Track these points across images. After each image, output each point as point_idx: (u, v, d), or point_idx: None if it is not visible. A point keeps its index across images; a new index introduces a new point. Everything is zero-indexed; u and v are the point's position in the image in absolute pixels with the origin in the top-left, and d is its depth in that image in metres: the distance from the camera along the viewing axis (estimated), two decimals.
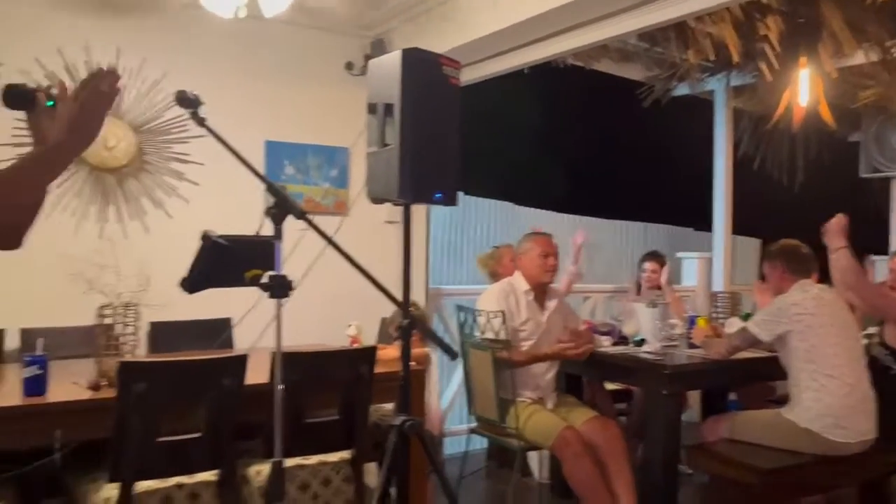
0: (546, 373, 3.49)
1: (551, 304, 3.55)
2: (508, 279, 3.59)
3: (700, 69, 5.21)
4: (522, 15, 3.45)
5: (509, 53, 4.02)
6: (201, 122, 1.77)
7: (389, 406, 3.47)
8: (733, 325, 3.89)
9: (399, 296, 2.42)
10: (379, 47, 4.38)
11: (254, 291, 2.00)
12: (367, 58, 4.46)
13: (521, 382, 3.39)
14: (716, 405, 4.20)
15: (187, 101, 1.77)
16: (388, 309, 4.52)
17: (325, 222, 1.93)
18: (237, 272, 1.72)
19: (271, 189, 1.71)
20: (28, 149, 1.43)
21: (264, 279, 1.74)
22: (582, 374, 3.88)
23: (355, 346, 3.28)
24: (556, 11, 3.33)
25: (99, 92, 1.40)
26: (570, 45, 3.64)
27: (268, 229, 2.02)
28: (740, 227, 6.19)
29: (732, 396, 4.46)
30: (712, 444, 3.28)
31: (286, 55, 4.29)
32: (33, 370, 2.48)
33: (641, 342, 3.70)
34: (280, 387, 1.70)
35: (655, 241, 7.60)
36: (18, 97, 1.46)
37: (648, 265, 4.59)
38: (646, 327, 3.69)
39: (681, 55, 4.92)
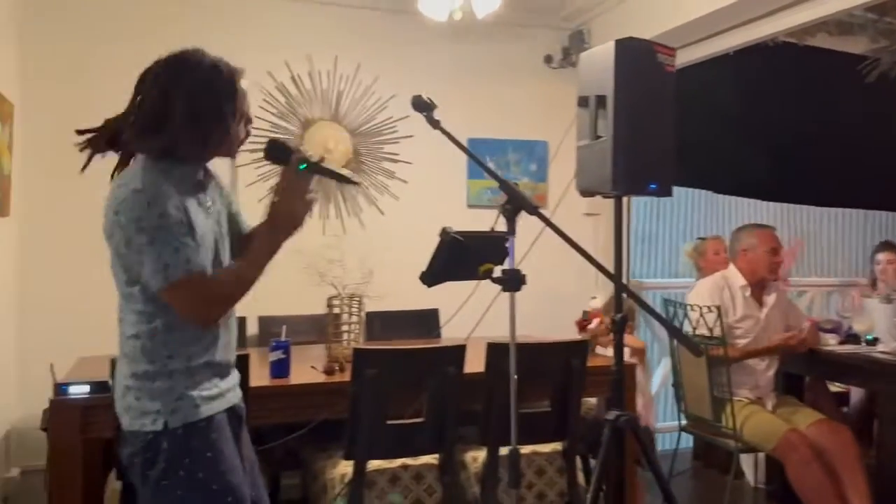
0: (766, 371, 3.30)
1: (770, 299, 3.35)
2: (722, 273, 3.42)
3: None
4: None
5: (718, 36, 3.82)
6: (436, 124, 1.85)
7: (592, 400, 3.45)
8: None
9: (608, 288, 2.41)
10: (578, 38, 4.34)
11: (460, 283, 2.09)
12: (566, 50, 4.46)
13: (738, 381, 3.23)
14: None
15: (422, 105, 1.86)
16: (589, 302, 4.52)
17: (525, 217, 1.95)
18: (471, 266, 1.79)
19: (504, 186, 1.76)
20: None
21: (497, 273, 1.79)
22: (804, 374, 3.62)
23: (595, 321, 3.26)
24: None
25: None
26: (792, 22, 3.37)
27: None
28: None
29: None
30: None
31: (487, 52, 4.39)
32: (278, 354, 2.74)
33: (874, 341, 3.39)
34: (514, 376, 1.75)
35: (879, 229, 6.88)
36: (277, 152, 1.67)
37: (883, 256, 4.18)
38: (881, 325, 3.38)
39: None
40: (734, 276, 3.35)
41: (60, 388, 2.44)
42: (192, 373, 1.61)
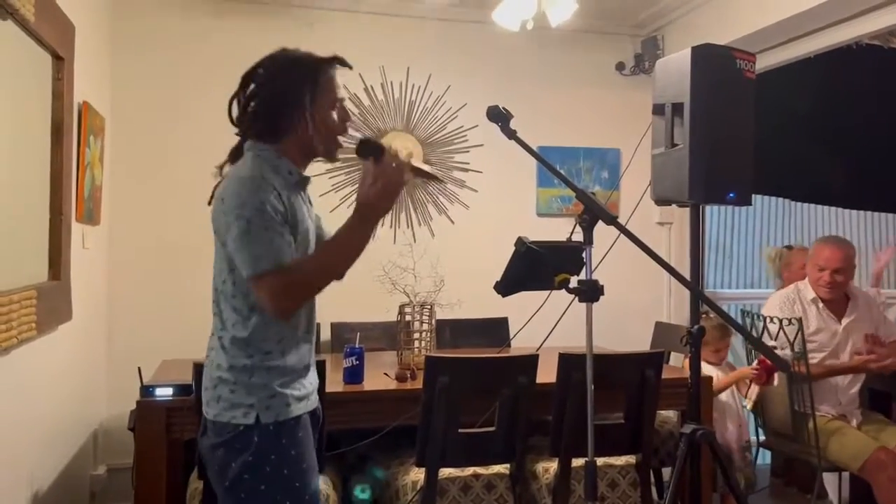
0: (849, 387, 3.17)
1: (851, 311, 3.22)
2: (796, 284, 3.33)
3: None
4: None
5: (799, 40, 3.70)
6: (511, 134, 1.86)
7: (666, 413, 3.38)
8: None
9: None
10: (652, 45, 4.28)
11: (529, 293, 2.08)
12: (638, 57, 4.40)
13: (820, 396, 3.12)
14: None
15: (498, 116, 1.87)
16: (661, 314, 4.44)
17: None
18: (547, 276, 1.79)
19: (581, 196, 1.75)
20: None
21: (573, 283, 1.78)
22: (891, 391, 3.46)
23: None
24: None
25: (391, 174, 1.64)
26: (879, 25, 3.22)
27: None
28: None
29: None
30: None
31: (558, 60, 4.37)
32: (352, 360, 2.79)
33: None
34: (591, 387, 1.74)
35: None
36: (370, 149, 1.71)
37: None
38: None
39: None
40: (806, 289, 3.27)
41: (147, 390, 2.54)
42: (286, 371, 1.65)
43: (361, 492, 2.67)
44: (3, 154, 2.16)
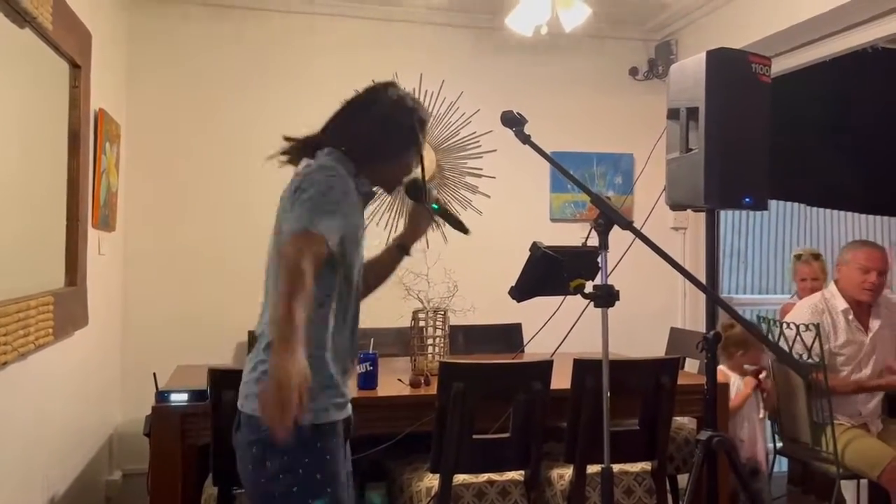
0: (867, 402, 3.14)
1: (876, 322, 3.17)
2: (822, 293, 3.26)
3: None
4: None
5: (814, 44, 3.68)
6: (526, 139, 1.86)
7: (681, 419, 3.35)
8: None
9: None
10: (665, 50, 4.27)
11: (543, 299, 2.07)
12: (652, 62, 4.39)
13: (839, 405, 3.07)
14: None
15: (512, 121, 1.87)
16: (676, 319, 4.42)
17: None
18: (562, 282, 1.79)
19: (597, 201, 1.75)
20: None
21: (588, 289, 1.78)
22: None
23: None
24: None
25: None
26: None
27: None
28: None
29: None
30: None
31: (571, 65, 4.37)
32: (366, 366, 2.79)
33: None
34: (607, 394, 1.73)
35: None
36: (416, 190, 1.88)
37: None
38: None
39: None
40: (834, 298, 3.19)
41: (162, 396, 2.55)
42: (329, 375, 1.65)
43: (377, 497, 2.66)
44: (21, 161, 2.18)
